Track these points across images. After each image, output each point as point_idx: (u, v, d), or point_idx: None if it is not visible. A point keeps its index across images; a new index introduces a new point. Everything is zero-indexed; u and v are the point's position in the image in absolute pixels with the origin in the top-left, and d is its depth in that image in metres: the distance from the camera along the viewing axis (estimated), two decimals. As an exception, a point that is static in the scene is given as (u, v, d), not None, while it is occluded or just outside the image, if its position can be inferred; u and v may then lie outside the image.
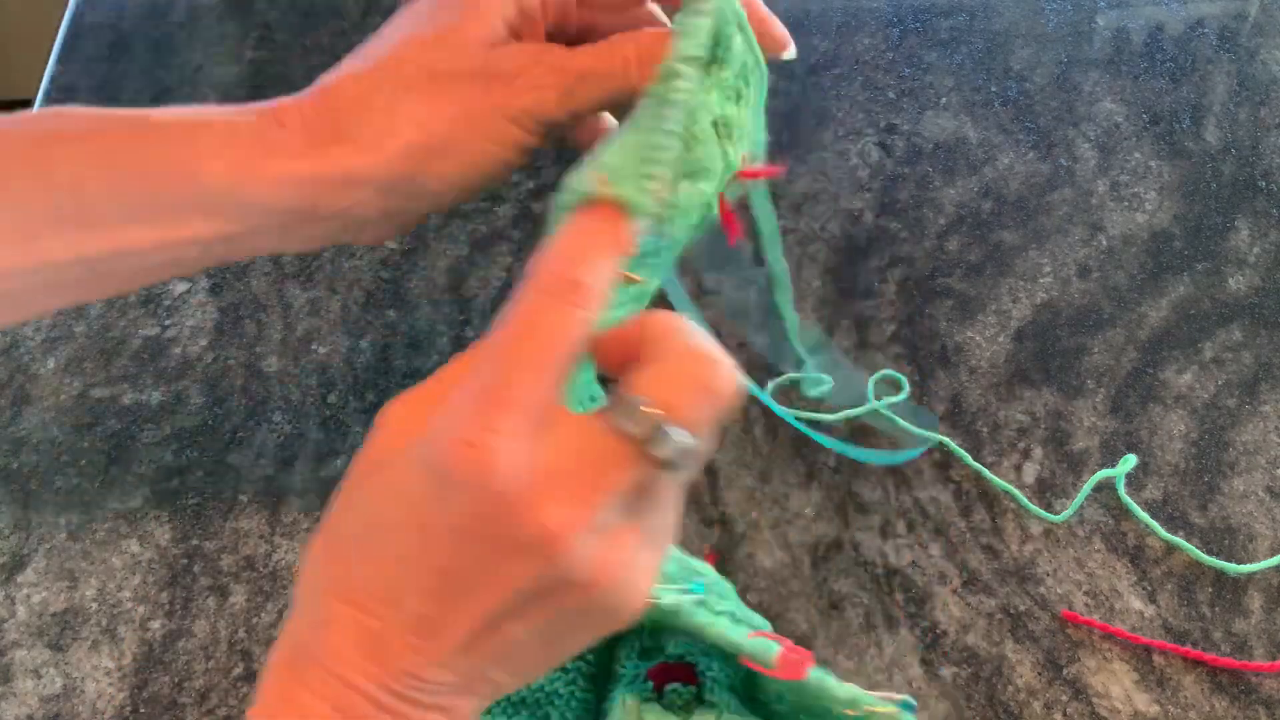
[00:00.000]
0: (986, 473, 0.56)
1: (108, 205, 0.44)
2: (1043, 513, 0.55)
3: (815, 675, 0.40)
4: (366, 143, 0.45)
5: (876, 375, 0.60)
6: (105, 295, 0.53)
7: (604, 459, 0.32)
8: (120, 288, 0.50)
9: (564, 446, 0.31)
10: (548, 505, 0.31)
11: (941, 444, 0.57)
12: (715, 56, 0.42)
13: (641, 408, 0.31)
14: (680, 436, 0.31)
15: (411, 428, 0.32)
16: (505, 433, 0.30)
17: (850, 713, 0.38)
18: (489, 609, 0.32)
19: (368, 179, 0.45)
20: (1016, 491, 0.56)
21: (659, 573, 0.35)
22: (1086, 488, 0.55)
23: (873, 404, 0.59)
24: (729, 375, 0.33)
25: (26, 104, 0.75)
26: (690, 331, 0.33)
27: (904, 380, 0.60)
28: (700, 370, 0.32)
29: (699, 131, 0.42)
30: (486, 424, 0.30)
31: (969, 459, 0.57)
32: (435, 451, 0.31)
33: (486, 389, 0.31)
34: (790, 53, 0.47)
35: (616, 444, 0.32)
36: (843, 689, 0.39)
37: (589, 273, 0.32)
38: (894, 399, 0.59)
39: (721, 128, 0.43)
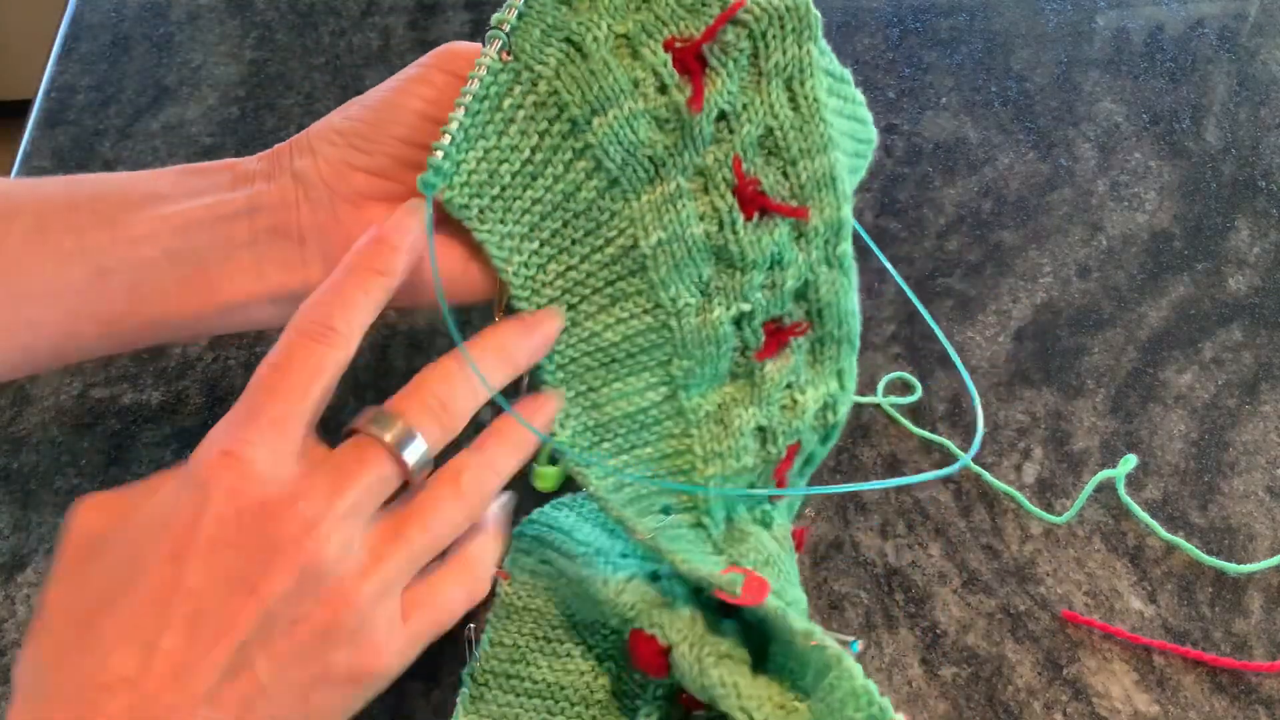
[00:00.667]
0: (988, 476, 0.56)
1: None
2: (1044, 514, 0.55)
3: (774, 605, 0.42)
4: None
5: (889, 377, 0.60)
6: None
7: (353, 459, 0.36)
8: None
9: (316, 458, 0.36)
10: (300, 501, 0.35)
11: (964, 466, 0.57)
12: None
13: (391, 413, 0.38)
14: (420, 444, 0.37)
15: (119, 507, 0.36)
16: (258, 443, 0.35)
17: (812, 643, 0.41)
18: (241, 636, 0.34)
19: None
20: (1017, 493, 0.56)
21: (429, 622, 0.39)
22: (1088, 488, 0.55)
23: (878, 398, 0.59)
24: (465, 401, 0.40)
25: (26, 104, 0.75)
26: (446, 365, 0.40)
27: (917, 384, 0.60)
28: (445, 395, 0.39)
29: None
30: (242, 436, 0.35)
31: (991, 478, 0.57)
32: (194, 469, 0.35)
33: (243, 411, 0.36)
34: None
35: (365, 445, 0.37)
36: (800, 622, 0.42)
37: (343, 317, 0.38)
38: (901, 400, 0.59)
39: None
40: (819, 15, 0.43)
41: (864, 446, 0.58)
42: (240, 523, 0.34)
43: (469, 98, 0.43)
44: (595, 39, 0.43)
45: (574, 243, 0.45)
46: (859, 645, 0.42)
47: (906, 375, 0.61)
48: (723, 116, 0.43)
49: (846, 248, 0.46)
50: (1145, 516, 0.55)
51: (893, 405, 0.59)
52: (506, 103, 0.44)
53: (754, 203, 0.44)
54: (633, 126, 0.43)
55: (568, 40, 0.43)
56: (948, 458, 0.58)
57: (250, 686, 0.34)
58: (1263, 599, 0.53)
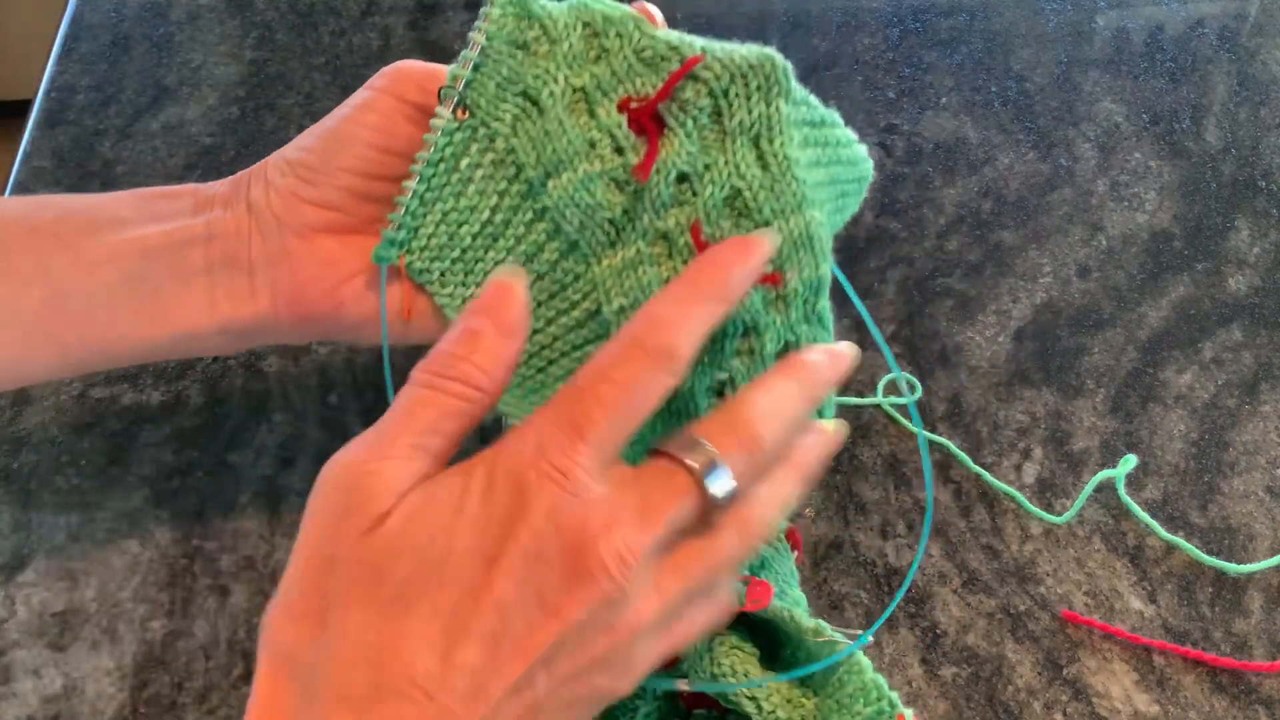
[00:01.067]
0: (988, 476, 0.56)
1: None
2: (1044, 514, 0.55)
3: (778, 605, 0.42)
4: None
5: (889, 377, 0.60)
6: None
7: (662, 490, 0.34)
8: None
9: (622, 479, 0.34)
10: (615, 530, 0.33)
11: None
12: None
13: (702, 441, 0.35)
14: (728, 476, 0.35)
15: (383, 481, 0.34)
16: (585, 460, 0.33)
17: (820, 638, 0.41)
18: (536, 657, 0.33)
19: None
20: (1017, 493, 0.56)
21: (672, 647, 0.37)
22: (1088, 489, 0.55)
23: (878, 399, 0.59)
24: (779, 433, 0.37)
25: (26, 104, 0.75)
26: (772, 391, 0.37)
27: (917, 383, 0.60)
28: (760, 426, 0.36)
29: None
30: (570, 449, 0.33)
31: (991, 478, 0.57)
32: (513, 468, 0.33)
33: (568, 417, 0.34)
34: None
35: (675, 476, 0.35)
36: (807, 619, 0.41)
37: (685, 341, 0.36)
38: (901, 399, 0.59)
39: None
40: (788, 67, 0.40)
41: (864, 446, 0.58)
42: (558, 542, 0.33)
43: (422, 163, 0.42)
44: (551, 94, 0.41)
45: (539, 305, 0.43)
46: (869, 638, 0.42)
47: (907, 375, 0.61)
48: (684, 178, 0.41)
49: (825, 303, 0.43)
50: (1145, 516, 0.55)
51: (892, 405, 0.59)
52: (464, 162, 0.43)
53: None
54: (589, 189, 0.41)
55: (524, 94, 0.42)
56: (947, 457, 0.58)
57: (528, 703, 0.33)
58: (1263, 599, 0.53)
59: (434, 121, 0.42)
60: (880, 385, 0.60)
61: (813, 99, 0.43)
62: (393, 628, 0.32)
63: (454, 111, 0.42)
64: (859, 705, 0.40)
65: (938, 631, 0.52)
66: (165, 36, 0.79)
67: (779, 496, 0.38)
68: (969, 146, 0.73)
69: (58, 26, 0.81)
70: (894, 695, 0.40)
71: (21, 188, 0.69)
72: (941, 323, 0.64)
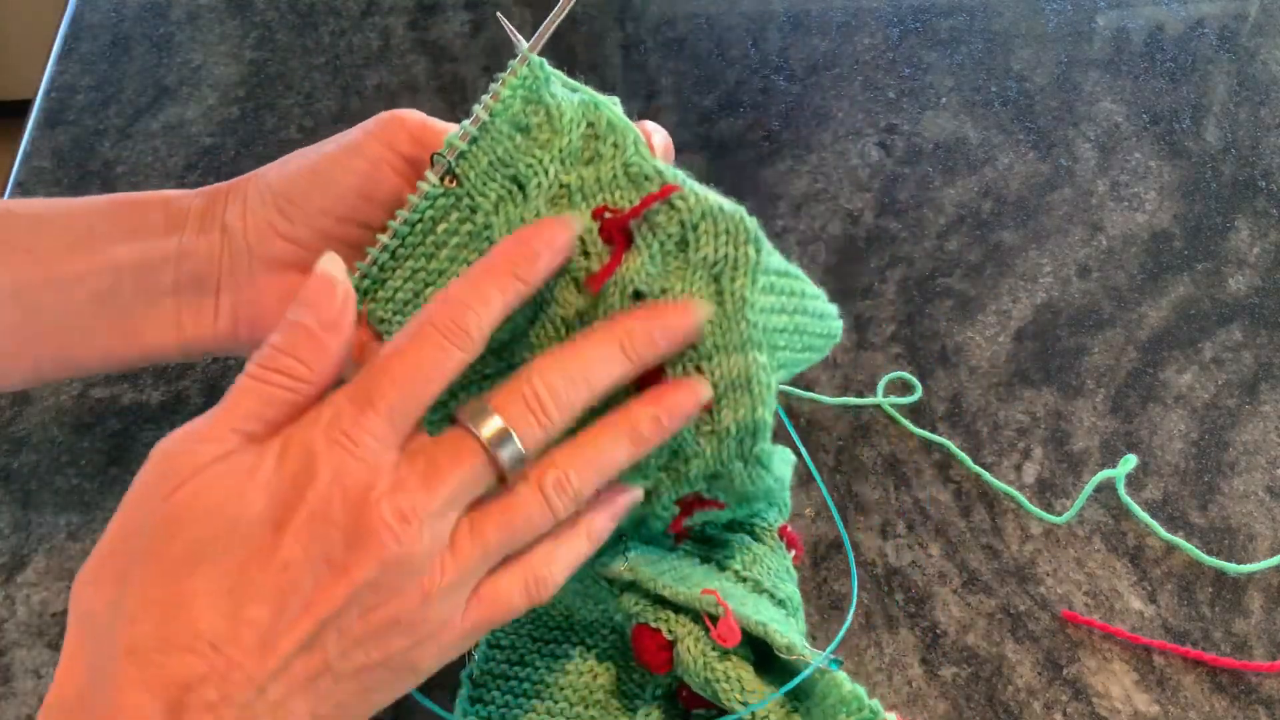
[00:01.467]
0: (988, 476, 0.56)
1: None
2: (1044, 514, 0.55)
3: (754, 621, 0.42)
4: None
5: (889, 376, 0.60)
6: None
7: (449, 455, 0.36)
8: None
9: (415, 448, 0.36)
10: (399, 493, 0.35)
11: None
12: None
13: (488, 407, 0.37)
14: (514, 442, 0.37)
15: (214, 448, 0.35)
16: (372, 429, 0.35)
17: (794, 657, 0.42)
18: (324, 615, 0.34)
19: None
20: (1017, 493, 0.56)
21: (485, 619, 0.38)
22: (1088, 489, 0.55)
23: (878, 399, 0.59)
24: (571, 397, 0.38)
25: (26, 104, 0.75)
26: (570, 362, 0.38)
27: (917, 384, 0.60)
28: (550, 391, 0.37)
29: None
30: (359, 419, 0.35)
31: (991, 478, 0.57)
32: (304, 438, 0.35)
33: (361, 392, 0.36)
34: None
35: (462, 441, 0.36)
36: (781, 636, 0.42)
37: (475, 321, 0.37)
38: (901, 400, 0.59)
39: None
40: (755, 225, 0.40)
41: (864, 446, 0.58)
42: (343, 503, 0.34)
43: (401, 220, 0.43)
44: (539, 185, 0.42)
45: (485, 378, 0.44)
46: (839, 666, 0.42)
47: (907, 375, 0.61)
48: (639, 295, 0.41)
49: (765, 447, 0.42)
50: (1145, 516, 0.55)
51: (893, 405, 0.59)
52: (441, 227, 0.43)
53: (650, 382, 0.42)
54: (548, 284, 0.41)
55: (513, 178, 0.42)
56: (948, 458, 0.58)
57: (318, 663, 0.34)
58: (1263, 599, 0.53)
59: (421, 184, 0.43)
60: (880, 385, 0.60)
61: (775, 251, 0.42)
62: (180, 586, 0.33)
63: (442, 179, 0.43)
64: (842, 716, 0.41)
65: (938, 631, 0.52)
66: (165, 36, 0.79)
67: (589, 461, 0.38)
68: (969, 146, 0.73)
69: (58, 26, 0.81)
70: (875, 703, 0.41)
71: (21, 188, 0.69)
72: (941, 323, 0.64)
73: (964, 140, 0.74)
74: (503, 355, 0.44)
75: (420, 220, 0.43)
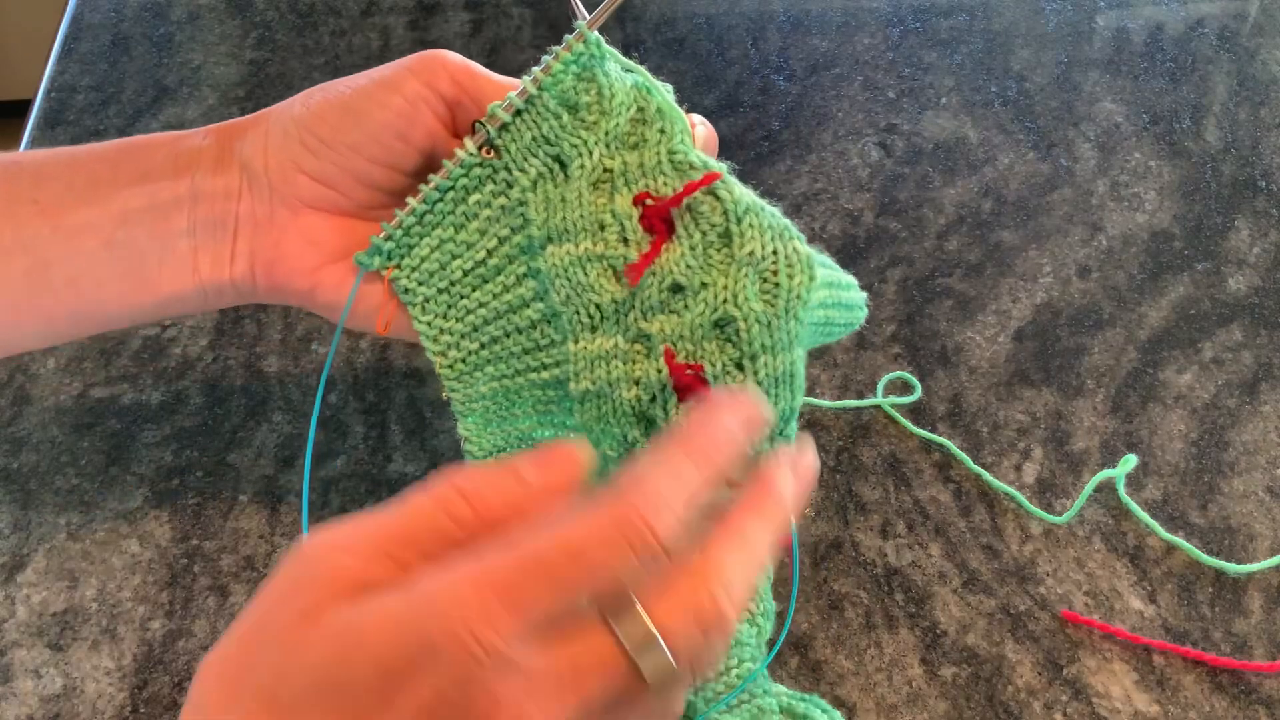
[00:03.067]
0: (988, 476, 0.56)
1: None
2: (1044, 514, 0.55)
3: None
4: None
5: (889, 376, 0.60)
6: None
7: (589, 666, 0.30)
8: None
9: (555, 651, 0.30)
10: (527, 702, 0.29)
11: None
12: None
13: (643, 618, 0.30)
14: (666, 659, 0.30)
15: (333, 573, 0.31)
16: (514, 624, 0.29)
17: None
18: None
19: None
20: (1017, 493, 0.56)
21: None
22: (1088, 488, 0.55)
23: (878, 399, 0.59)
24: (728, 628, 0.32)
25: (26, 104, 0.75)
26: (738, 568, 0.32)
27: (916, 384, 0.60)
28: (713, 613, 0.31)
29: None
30: (499, 607, 0.29)
31: (991, 478, 0.57)
32: (431, 609, 0.29)
33: (509, 570, 0.30)
34: None
35: (606, 646, 0.31)
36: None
37: (667, 530, 0.31)
38: (901, 400, 0.59)
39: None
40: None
41: (864, 446, 0.58)
42: (462, 696, 0.29)
43: (433, 185, 0.42)
44: (582, 167, 0.41)
45: (511, 355, 0.43)
46: (761, 670, 0.43)
47: (906, 375, 0.61)
48: (678, 289, 0.40)
49: (794, 427, 0.41)
50: (1145, 516, 0.55)
51: (893, 405, 0.59)
52: (473, 198, 0.42)
53: (691, 389, 0.41)
54: (584, 268, 0.41)
55: (556, 158, 0.41)
56: (948, 458, 0.58)
57: None
58: (1263, 599, 0.53)
59: (458, 152, 0.42)
60: (880, 385, 0.60)
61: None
62: None
63: (480, 148, 0.42)
64: None
65: (938, 631, 0.52)
66: (165, 36, 0.79)
67: (708, 659, 0.32)
68: (969, 146, 0.73)
69: (58, 26, 0.81)
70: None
71: (21, 188, 0.69)
72: (941, 323, 0.64)
73: (964, 140, 0.74)
74: (533, 335, 0.43)
75: (453, 188, 0.42)
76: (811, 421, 0.59)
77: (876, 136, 0.74)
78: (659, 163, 0.41)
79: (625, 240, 0.41)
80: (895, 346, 0.62)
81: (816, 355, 0.61)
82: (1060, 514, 0.55)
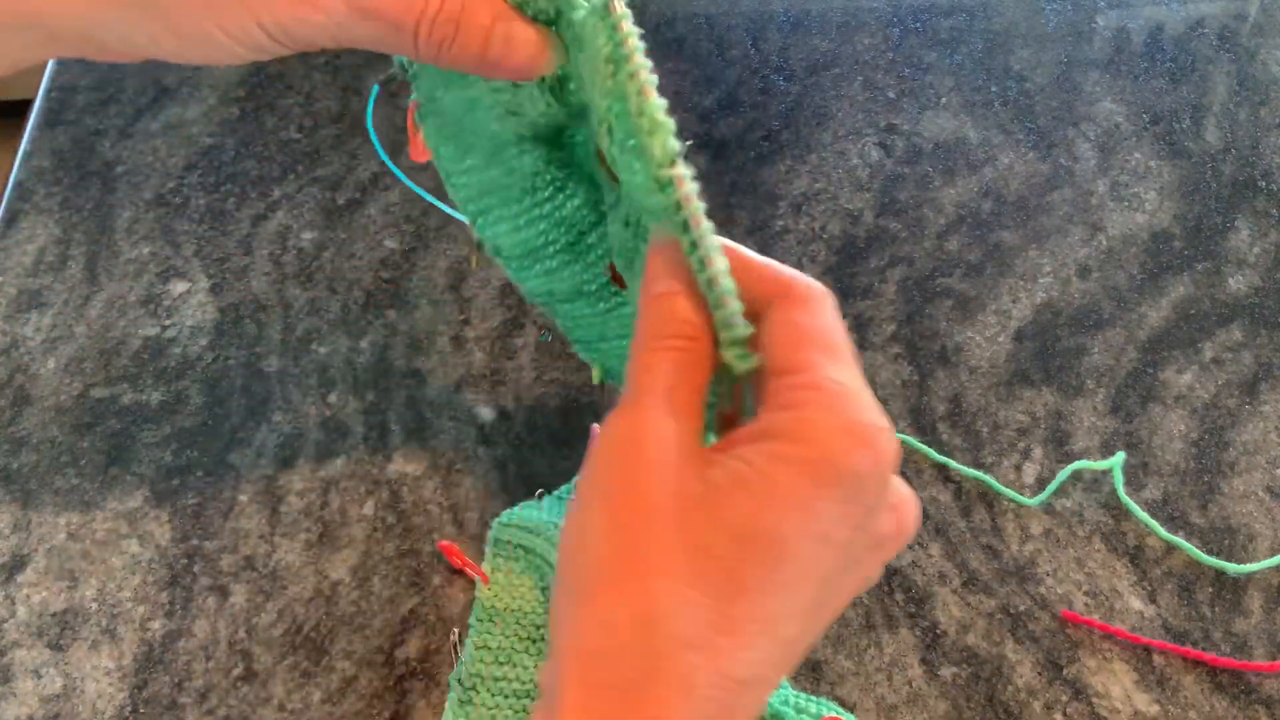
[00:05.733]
0: (954, 463, 0.56)
1: None
2: (1016, 495, 0.55)
3: None
4: None
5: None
6: None
7: (909, 493, 0.35)
8: None
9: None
10: (909, 525, 0.34)
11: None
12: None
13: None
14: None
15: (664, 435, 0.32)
16: (882, 421, 0.32)
17: None
18: (836, 612, 0.33)
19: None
20: (986, 476, 0.56)
21: None
22: (1062, 475, 0.55)
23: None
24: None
25: (26, 104, 0.75)
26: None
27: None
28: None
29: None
30: (872, 415, 0.31)
31: (961, 467, 0.57)
32: (839, 448, 0.30)
33: (856, 389, 0.32)
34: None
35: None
36: None
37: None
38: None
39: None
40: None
41: (864, 446, 0.58)
42: (867, 510, 0.32)
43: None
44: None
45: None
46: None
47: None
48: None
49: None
50: (1145, 516, 0.55)
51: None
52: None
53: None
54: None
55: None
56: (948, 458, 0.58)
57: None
58: (1263, 599, 0.53)
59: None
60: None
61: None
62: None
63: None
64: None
65: (938, 631, 0.52)
66: (165, 36, 0.79)
67: None
68: (969, 146, 0.73)
69: (58, 26, 0.80)
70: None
71: (21, 188, 0.69)
72: (941, 323, 0.64)
73: (964, 140, 0.74)
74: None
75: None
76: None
77: (876, 136, 0.74)
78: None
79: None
80: (895, 346, 0.62)
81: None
82: (1060, 513, 0.55)
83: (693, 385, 0.33)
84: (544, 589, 0.49)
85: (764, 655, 0.30)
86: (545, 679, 0.30)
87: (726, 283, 0.33)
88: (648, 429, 0.31)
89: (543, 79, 0.40)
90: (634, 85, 0.35)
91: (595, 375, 0.49)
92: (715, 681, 0.29)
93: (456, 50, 0.39)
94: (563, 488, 0.55)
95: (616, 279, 0.46)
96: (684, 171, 0.34)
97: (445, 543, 0.53)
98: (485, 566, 0.52)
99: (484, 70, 0.40)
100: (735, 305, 0.33)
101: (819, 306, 0.34)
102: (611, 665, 0.29)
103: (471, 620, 0.51)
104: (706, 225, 0.33)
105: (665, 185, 0.34)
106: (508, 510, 0.54)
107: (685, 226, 0.33)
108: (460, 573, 0.53)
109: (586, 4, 0.38)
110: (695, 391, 0.33)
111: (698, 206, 0.33)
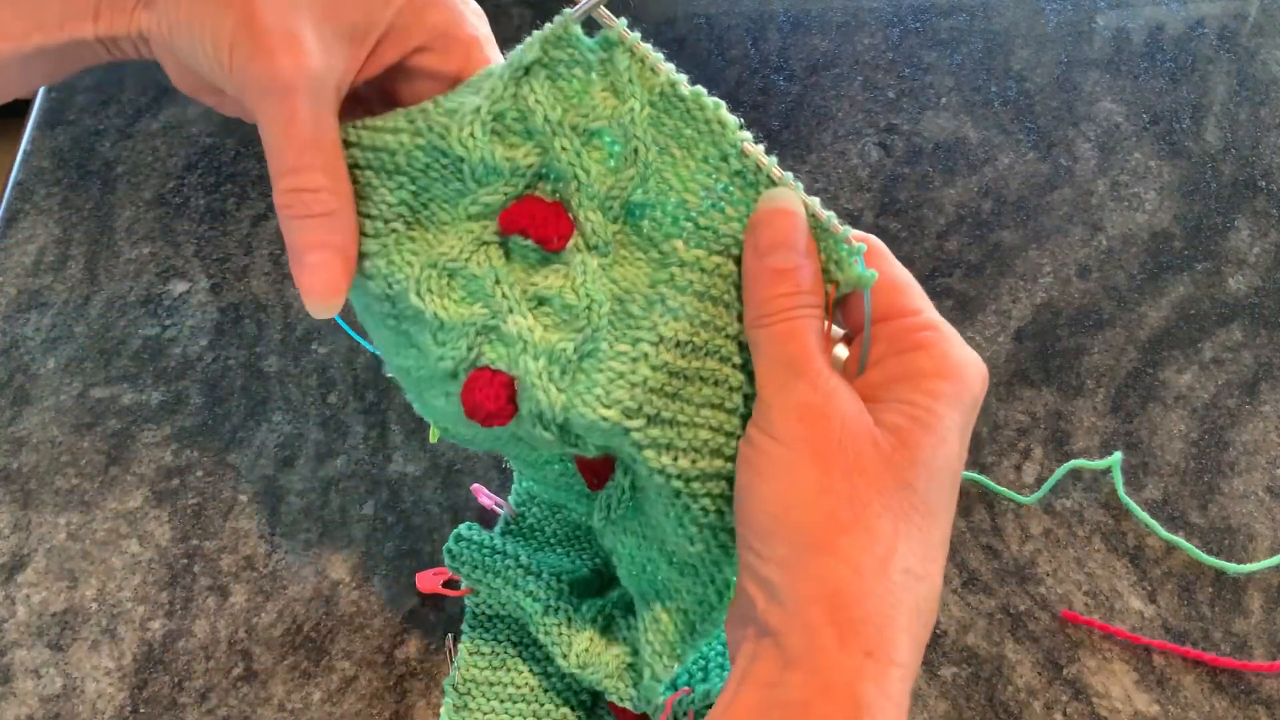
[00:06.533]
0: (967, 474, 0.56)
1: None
2: (1012, 494, 0.55)
3: None
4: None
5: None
6: None
7: None
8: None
9: None
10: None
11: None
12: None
13: None
14: None
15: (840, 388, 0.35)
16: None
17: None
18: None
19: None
20: (980, 477, 0.56)
21: None
22: (1058, 473, 0.55)
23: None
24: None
25: (26, 104, 0.75)
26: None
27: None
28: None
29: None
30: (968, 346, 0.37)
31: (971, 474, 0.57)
32: (974, 378, 0.36)
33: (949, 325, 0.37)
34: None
35: None
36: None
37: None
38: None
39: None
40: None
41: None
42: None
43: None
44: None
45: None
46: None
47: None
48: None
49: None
50: (1145, 516, 0.55)
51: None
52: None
53: None
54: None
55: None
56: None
57: None
58: (1263, 599, 0.53)
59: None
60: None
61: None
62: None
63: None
64: None
65: (938, 631, 0.52)
66: (165, 36, 0.79)
67: None
68: (969, 146, 0.73)
69: (58, 26, 0.80)
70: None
71: (21, 188, 0.69)
72: (941, 323, 0.64)
73: (964, 140, 0.74)
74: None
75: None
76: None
77: (876, 136, 0.74)
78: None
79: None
80: (895, 346, 0.62)
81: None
82: (1059, 513, 0.55)
83: (828, 346, 0.37)
84: (530, 595, 0.48)
85: (943, 565, 0.37)
86: (777, 622, 0.34)
87: (829, 212, 0.36)
88: (825, 390, 0.35)
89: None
90: (668, 79, 0.40)
91: (432, 435, 0.46)
92: (929, 605, 0.35)
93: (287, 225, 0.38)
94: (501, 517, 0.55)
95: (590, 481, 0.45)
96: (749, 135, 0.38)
97: (421, 574, 0.53)
98: (467, 582, 0.50)
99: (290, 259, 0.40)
100: (846, 228, 0.36)
101: (887, 255, 0.38)
102: (860, 603, 0.33)
103: (464, 626, 0.51)
104: (788, 175, 0.37)
105: (738, 150, 0.38)
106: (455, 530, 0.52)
107: (770, 180, 0.37)
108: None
109: (592, 53, 0.42)
110: (829, 351, 0.37)
111: (773, 160, 0.37)
